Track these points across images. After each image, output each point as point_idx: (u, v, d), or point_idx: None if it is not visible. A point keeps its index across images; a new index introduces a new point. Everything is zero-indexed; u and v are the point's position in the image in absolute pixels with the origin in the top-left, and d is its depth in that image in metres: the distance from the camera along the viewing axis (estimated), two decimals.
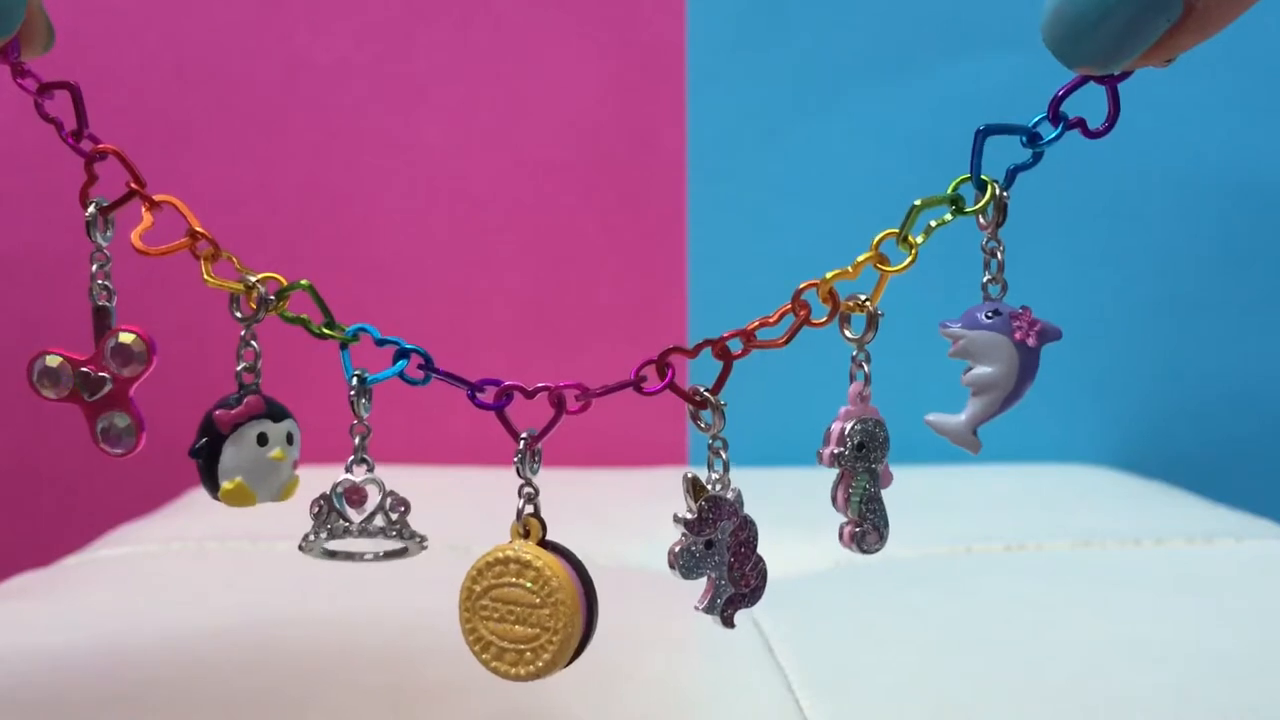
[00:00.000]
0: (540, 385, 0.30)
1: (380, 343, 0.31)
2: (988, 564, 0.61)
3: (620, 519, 0.70)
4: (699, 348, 0.30)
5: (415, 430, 0.90)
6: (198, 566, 0.62)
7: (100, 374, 0.31)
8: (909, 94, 0.93)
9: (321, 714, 0.40)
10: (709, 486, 0.29)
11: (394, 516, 0.31)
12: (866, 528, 0.30)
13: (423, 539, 0.31)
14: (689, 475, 0.29)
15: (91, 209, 0.31)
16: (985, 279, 0.30)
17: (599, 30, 0.94)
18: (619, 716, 0.40)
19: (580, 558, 0.30)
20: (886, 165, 0.93)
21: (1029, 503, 0.79)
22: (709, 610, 0.30)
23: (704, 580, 0.30)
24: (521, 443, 0.30)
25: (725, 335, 0.30)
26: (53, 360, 0.31)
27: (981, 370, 0.29)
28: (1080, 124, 0.29)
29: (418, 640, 0.47)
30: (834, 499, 0.31)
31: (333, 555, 0.31)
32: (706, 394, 0.30)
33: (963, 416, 0.30)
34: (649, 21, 0.94)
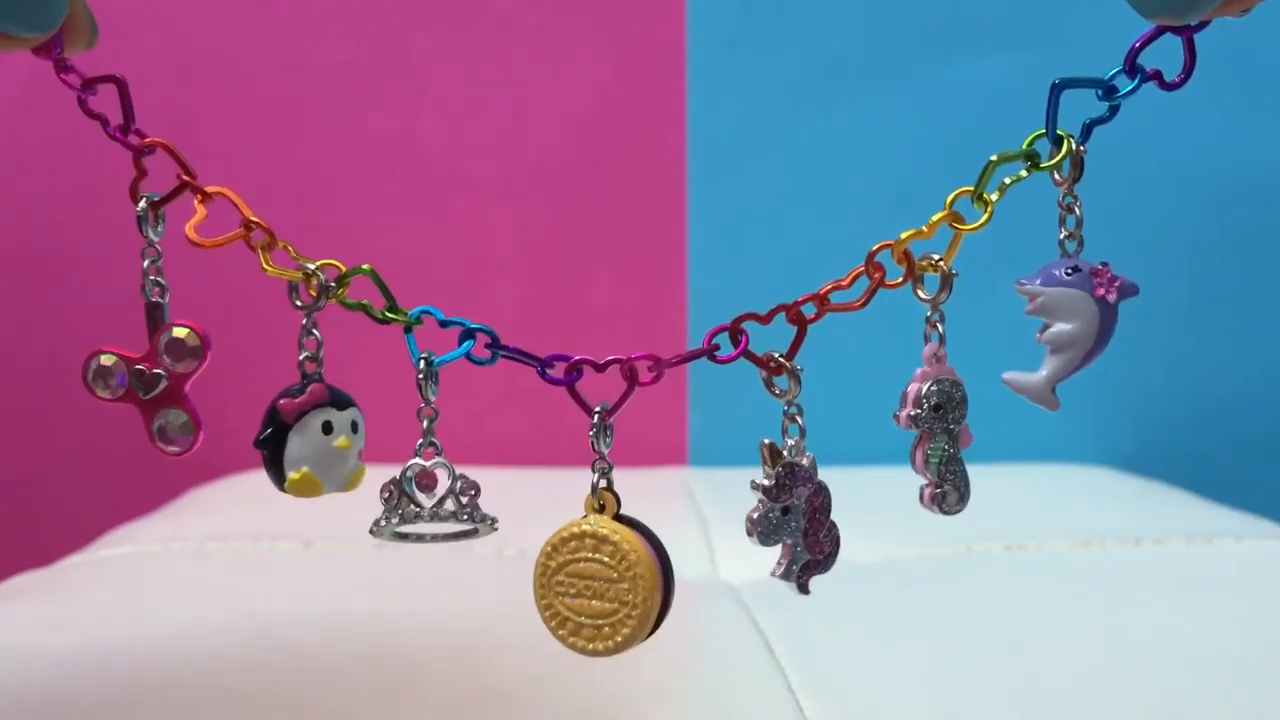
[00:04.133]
0: (611, 358, 0.30)
1: (444, 324, 0.31)
2: (988, 564, 0.61)
3: None
4: (773, 313, 0.30)
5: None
6: (198, 566, 0.62)
7: (155, 371, 0.30)
8: (909, 94, 0.93)
9: (322, 714, 0.40)
10: (785, 453, 0.29)
11: (464, 500, 0.30)
12: (947, 489, 0.30)
13: (494, 520, 0.31)
14: (766, 441, 0.29)
15: (142, 204, 0.30)
16: (1062, 235, 0.30)
17: (599, 30, 0.94)
18: (619, 716, 0.40)
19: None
20: (886, 165, 0.93)
21: (1029, 503, 0.79)
22: (785, 576, 0.30)
23: (779, 547, 0.29)
24: (596, 417, 0.29)
25: (800, 300, 0.30)
26: (107, 359, 0.30)
27: (1061, 327, 0.29)
28: (1157, 76, 0.28)
29: (419, 640, 0.47)
30: (912, 460, 0.30)
31: (404, 538, 0.30)
32: (782, 359, 0.29)
33: (1042, 374, 0.30)
34: (649, 21, 0.94)
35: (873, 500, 0.54)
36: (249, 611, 0.51)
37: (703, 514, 0.73)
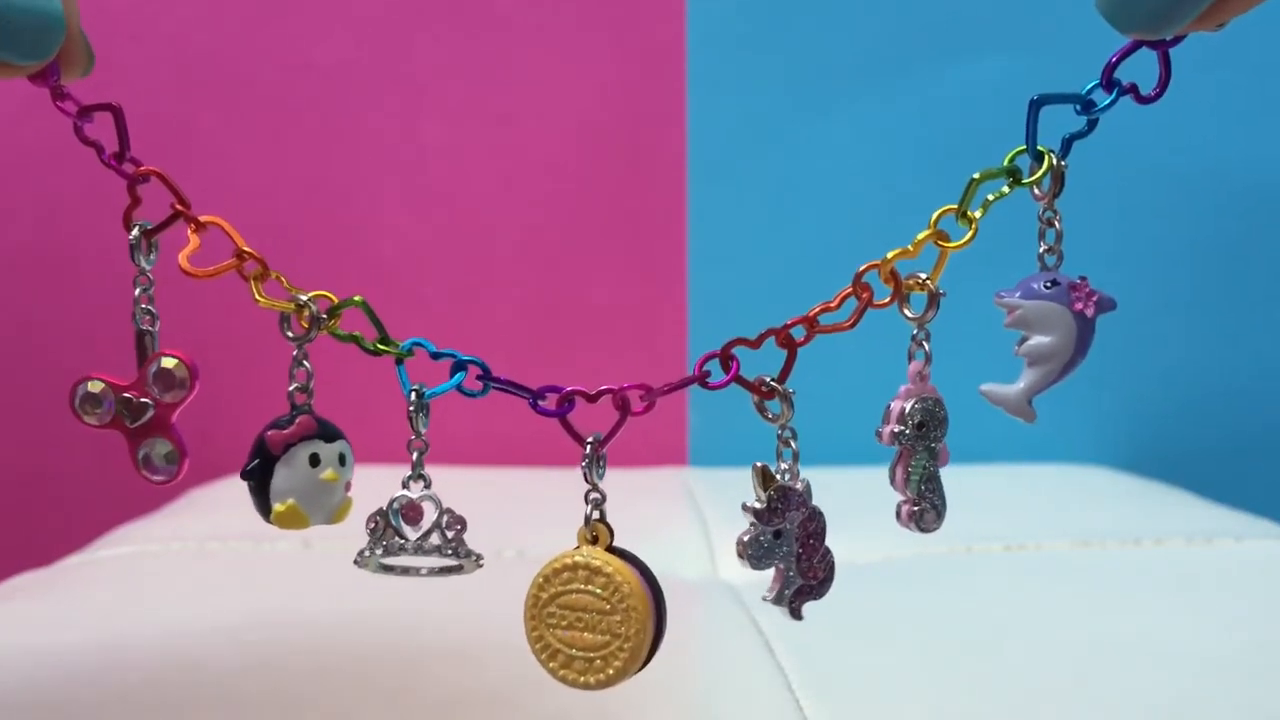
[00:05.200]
0: (603, 388, 0.30)
1: (436, 356, 0.30)
2: (988, 564, 0.61)
3: (620, 519, 0.70)
4: (762, 337, 0.30)
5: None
6: (198, 566, 0.62)
7: (142, 400, 0.30)
8: (908, 95, 0.93)
9: (322, 714, 0.40)
10: (778, 476, 0.29)
11: (450, 534, 0.30)
12: (925, 506, 0.30)
13: (479, 557, 0.30)
14: (758, 465, 0.29)
15: (135, 232, 0.30)
16: (1042, 249, 0.30)
17: (599, 30, 0.94)
18: (618, 716, 0.40)
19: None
20: (886, 166, 0.93)
21: (1029, 503, 0.79)
22: (777, 601, 0.30)
23: (771, 571, 0.29)
24: (588, 447, 0.29)
25: (789, 322, 0.30)
26: (95, 386, 0.30)
27: (1039, 340, 0.30)
28: (1133, 90, 0.29)
29: (419, 641, 0.47)
30: (892, 478, 0.31)
31: (389, 570, 0.30)
32: (774, 383, 0.29)
33: (1019, 386, 0.30)
34: (649, 22, 0.94)
35: (873, 500, 0.54)
36: (249, 611, 0.51)
37: (703, 514, 0.73)
